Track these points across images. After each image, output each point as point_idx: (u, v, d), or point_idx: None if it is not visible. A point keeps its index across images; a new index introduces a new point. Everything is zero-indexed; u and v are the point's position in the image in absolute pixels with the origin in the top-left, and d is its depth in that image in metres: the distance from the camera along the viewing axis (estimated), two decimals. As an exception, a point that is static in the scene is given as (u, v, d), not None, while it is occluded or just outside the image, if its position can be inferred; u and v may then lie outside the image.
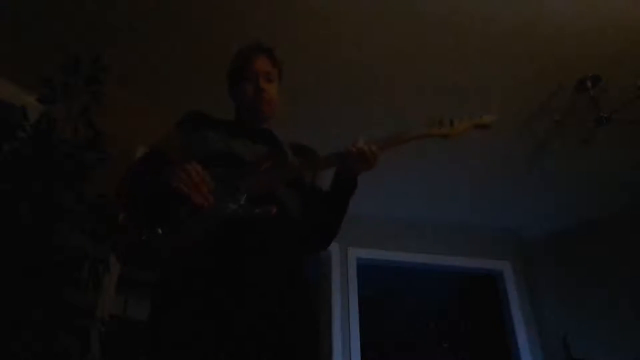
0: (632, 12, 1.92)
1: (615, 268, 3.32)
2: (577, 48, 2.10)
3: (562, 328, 3.45)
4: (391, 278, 3.71)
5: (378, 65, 2.24)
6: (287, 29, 2.04)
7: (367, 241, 3.54)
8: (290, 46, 2.08)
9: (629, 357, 3.02)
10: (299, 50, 2.12)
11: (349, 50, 2.16)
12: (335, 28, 2.05)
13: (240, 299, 0.97)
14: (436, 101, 2.45)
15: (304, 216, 1.18)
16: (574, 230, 3.68)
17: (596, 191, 3.24)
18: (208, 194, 0.98)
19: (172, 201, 0.99)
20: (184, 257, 0.99)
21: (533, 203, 3.48)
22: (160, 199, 1.00)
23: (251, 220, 1.03)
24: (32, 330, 1.50)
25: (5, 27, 2.04)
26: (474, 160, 2.97)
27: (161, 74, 2.34)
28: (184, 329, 0.94)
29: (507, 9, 1.93)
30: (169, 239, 0.98)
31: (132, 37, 2.13)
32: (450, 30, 2.04)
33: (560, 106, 2.43)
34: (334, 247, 3.45)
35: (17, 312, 1.47)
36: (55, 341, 1.54)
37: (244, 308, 0.97)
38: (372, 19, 2.00)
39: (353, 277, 3.41)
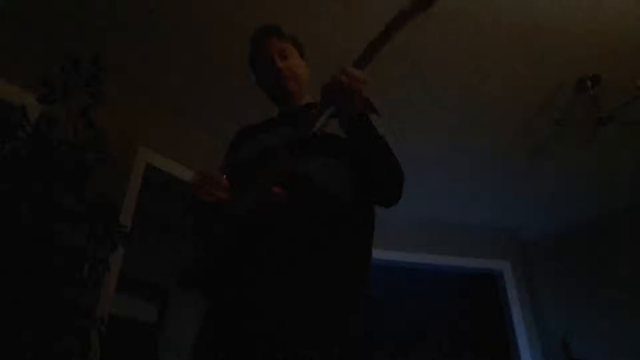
0: (632, 12, 1.92)
1: (615, 268, 3.32)
2: (577, 48, 2.10)
3: (562, 328, 3.45)
4: (391, 278, 3.70)
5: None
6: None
7: (367, 241, 3.53)
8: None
9: (629, 358, 3.02)
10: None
11: (347, 49, 2.16)
12: (335, 28, 2.05)
13: (259, 303, 0.93)
14: (437, 101, 2.45)
15: (355, 176, 1.02)
16: (574, 230, 3.68)
17: (596, 191, 3.24)
18: (216, 188, 0.99)
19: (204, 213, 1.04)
20: (214, 262, 0.99)
21: (533, 203, 3.48)
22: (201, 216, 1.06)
23: (270, 210, 0.94)
24: (32, 330, 1.50)
25: (5, 27, 2.04)
26: (474, 160, 2.97)
27: (161, 73, 2.35)
28: (207, 331, 0.99)
29: (508, 9, 1.93)
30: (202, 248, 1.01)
31: (132, 37, 2.13)
32: (451, 30, 2.04)
33: (560, 106, 2.43)
34: (334, 247, 3.43)
35: (17, 312, 1.47)
36: (55, 341, 1.54)
37: (260, 310, 0.93)
38: (370, 20, 2.00)
39: (353, 277, 3.40)
